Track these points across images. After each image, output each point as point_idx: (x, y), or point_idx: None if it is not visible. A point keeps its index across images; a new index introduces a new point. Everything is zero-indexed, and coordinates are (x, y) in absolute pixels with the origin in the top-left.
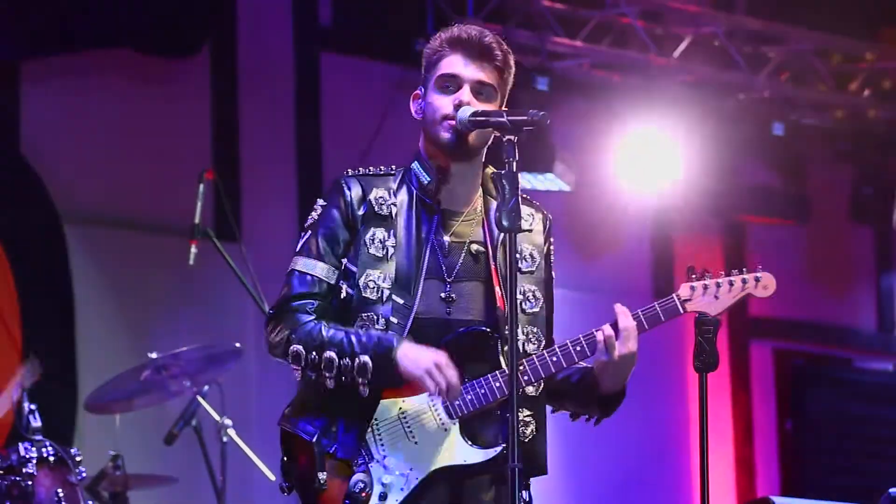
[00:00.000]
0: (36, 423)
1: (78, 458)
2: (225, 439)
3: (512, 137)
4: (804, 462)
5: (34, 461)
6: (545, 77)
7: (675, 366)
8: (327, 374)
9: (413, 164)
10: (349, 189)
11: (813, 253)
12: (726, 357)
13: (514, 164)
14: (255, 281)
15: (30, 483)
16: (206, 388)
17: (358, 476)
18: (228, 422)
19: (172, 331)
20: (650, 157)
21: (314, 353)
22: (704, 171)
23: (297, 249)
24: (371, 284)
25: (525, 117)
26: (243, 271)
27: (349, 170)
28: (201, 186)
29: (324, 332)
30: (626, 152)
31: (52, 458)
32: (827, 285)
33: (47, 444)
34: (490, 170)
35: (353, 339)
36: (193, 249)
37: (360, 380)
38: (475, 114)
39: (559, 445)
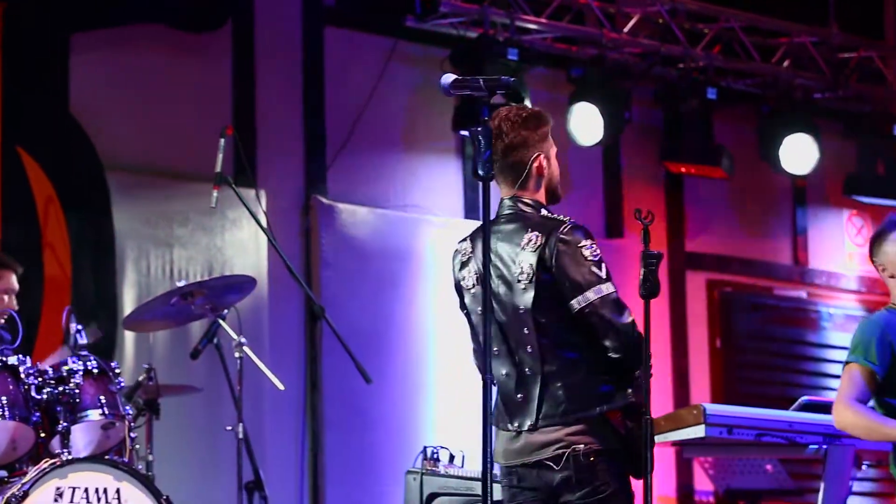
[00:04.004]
0: (83, 340)
1: (117, 371)
2: (241, 355)
3: (487, 98)
4: (731, 375)
5: (81, 373)
6: (515, 49)
7: (623, 294)
8: None
9: None
10: None
11: (738, 198)
12: (666, 286)
13: (489, 121)
14: (268, 220)
15: (77, 391)
16: (226, 311)
17: None
18: (244, 340)
19: (197, 263)
20: (604, 115)
21: None
22: (647, 128)
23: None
24: None
25: (498, 83)
26: (257, 212)
27: None
28: (222, 140)
29: None
30: (581, 111)
31: (95, 371)
32: (751, 226)
33: (91, 358)
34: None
35: None
36: (215, 194)
37: None
38: (456, 80)
39: None
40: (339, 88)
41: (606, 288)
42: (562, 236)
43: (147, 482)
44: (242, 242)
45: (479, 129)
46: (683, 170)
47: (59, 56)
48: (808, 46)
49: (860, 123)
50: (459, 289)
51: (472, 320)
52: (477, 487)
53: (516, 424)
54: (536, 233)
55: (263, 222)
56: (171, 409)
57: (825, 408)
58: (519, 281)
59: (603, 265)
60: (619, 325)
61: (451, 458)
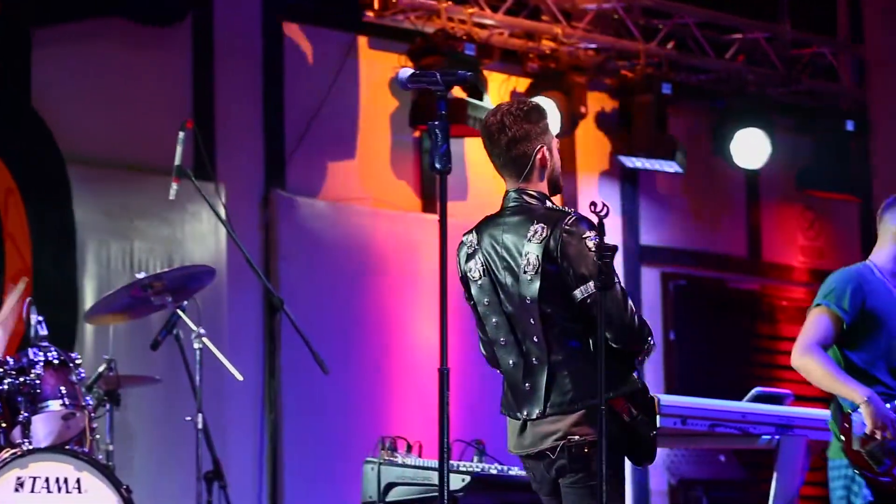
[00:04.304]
0: (43, 331)
1: (78, 362)
2: (200, 346)
3: (444, 93)
4: (685, 366)
5: (41, 364)
6: (472, 44)
7: None
8: None
9: None
10: None
11: (692, 192)
12: (621, 278)
13: (446, 115)
14: (227, 213)
15: (38, 382)
16: (185, 302)
17: None
18: (203, 331)
19: (157, 255)
20: (560, 109)
21: None
22: (602, 122)
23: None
24: None
25: (454, 77)
26: (217, 205)
27: None
28: (182, 133)
29: None
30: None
31: (56, 361)
32: (705, 219)
33: (52, 349)
34: None
35: None
36: (175, 186)
37: None
38: (413, 74)
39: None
40: (298, 83)
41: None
42: (567, 227)
43: (107, 472)
44: (202, 235)
45: (437, 123)
46: (639, 164)
47: (21, 50)
48: (762, 42)
49: (813, 118)
50: (465, 280)
51: (479, 311)
52: (434, 477)
53: (524, 413)
54: (542, 224)
55: (223, 215)
56: (131, 399)
57: (778, 399)
58: (525, 272)
59: None
60: (617, 316)
61: (409, 447)
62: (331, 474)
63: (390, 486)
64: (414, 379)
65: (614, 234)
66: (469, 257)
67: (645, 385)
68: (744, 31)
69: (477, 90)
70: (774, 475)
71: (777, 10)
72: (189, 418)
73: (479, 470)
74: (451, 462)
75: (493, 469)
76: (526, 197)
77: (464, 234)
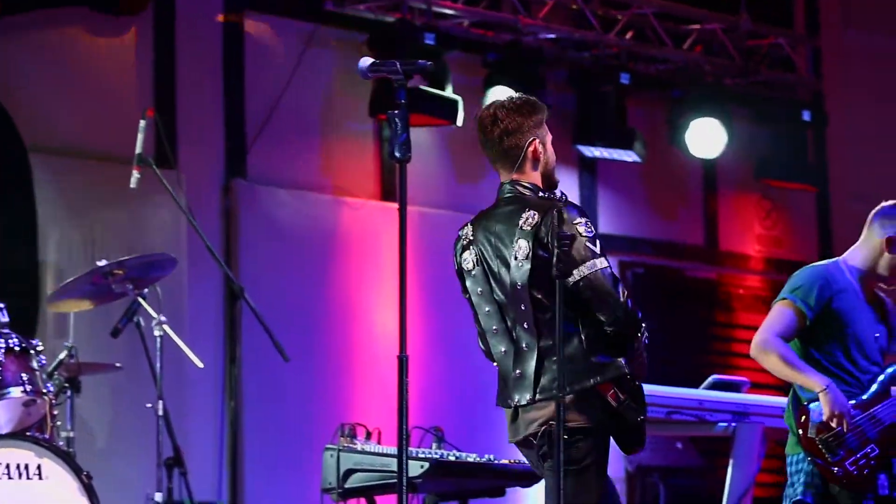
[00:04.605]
0: (4, 318)
1: (39, 348)
2: (161, 334)
3: (404, 82)
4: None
5: (2, 350)
6: (432, 33)
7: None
8: None
9: None
10: None
11: (650, 181)
12: None
13: (405, 104)
14: (188, 202)
15: None
16: (146, 290)
17: None
18: (164, 319)
19: (118, 243)
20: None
21: None
22: (561, 111)
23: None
24: None
25: (414, 66)
26: (177, 193)
27: None
28: (143, 122)
29: None
30: (497, 95)
31: (17, 348)
32: (663, 208)
33: (13, 336)
34: None
35: None
36: (136, 175)
37: None
38: (373, 63)
39: (435, 354)
40: (259, 72)
41: (600, 262)
42: (557, 214)
43: (68, 458)
44: (163, 223)
45: (396, 112)
46: (597, 153)
47: None
48: (719, 33)
49: (770, 109)
50: (461, 273)
51: (473, 301)
52: (393, 464)
53: (516, 399)
54: (533, 212)
55: (183, 203)
56: (91, 386)
57: (734, 386)
58: (516, 258)
59: (598, 241)
60: (612, 298)
61: (368, 434)
62: (291, 461)
63: (350, 472)
64: (374, 366)
65: None
66: (464, 249)
67: (639, 376)
68: (702, 21)
69: (440, 80)
70: (731, 462)
71: (735, 2)
72: (149, 405)
73: (437, 457)
74: (409, 449)
75: (452, 456)
76: (519, 188)
77: (460, 228)
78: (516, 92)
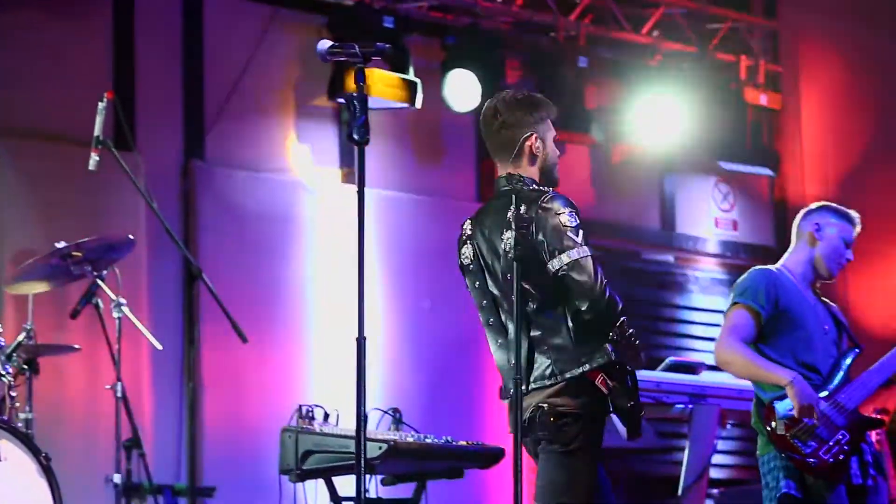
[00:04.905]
0: None
1: None
2: (119, 315)
3: (363, 65)
4: None
5: None
6: (391, 17)
7: None
8: None
9: None
10: None
11: (607, 163)
12: None
13: (364, 87)
14: (146, 184)
15: None
16: (105, 272)
17: None
18: (123, 300)
19: (76, 224)
20: (480, 82)
21: None
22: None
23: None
24: None
25: (373, 49)
26: (136, 175)
27: None
28: (102, 104)
29: None
30: (457, 78)
31: None
32: (619, 191)
33: None
34: None
35: None
36: (94, 157)
37: None
38: (332, 46)
39: (394, 337)
40: (219, 54)
41: (580, 252)
42: (543, 205)
43: (26, 440)
44: (122, 205)
45: (355, 94)
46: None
47: None
48: (678, 17)
49: (727, 92)
50: (462, 268)
51: (473, 296)
52: (351, 445)
53: (511, 390)
54: (522, 204)
55: (142, 185)
56: (50, 368)
57: (691, 368)
58: (507, 250)
59: (581, 231)
60: (589, 286)
61: (326, 416)
62: (249, 442)
63: (308, 453)
64: (332, 348)
65: None
66: (463, 244)
67: (622, 358)
68: (660, 5)
69: (400, 63)
70: (687, 443)
71: None
72: (108, 387)
73: (395, 438)
74: (367, 430)
75: (410, 437)
76: (513, 181)
77: (462, 224)
78: (475, 74)
